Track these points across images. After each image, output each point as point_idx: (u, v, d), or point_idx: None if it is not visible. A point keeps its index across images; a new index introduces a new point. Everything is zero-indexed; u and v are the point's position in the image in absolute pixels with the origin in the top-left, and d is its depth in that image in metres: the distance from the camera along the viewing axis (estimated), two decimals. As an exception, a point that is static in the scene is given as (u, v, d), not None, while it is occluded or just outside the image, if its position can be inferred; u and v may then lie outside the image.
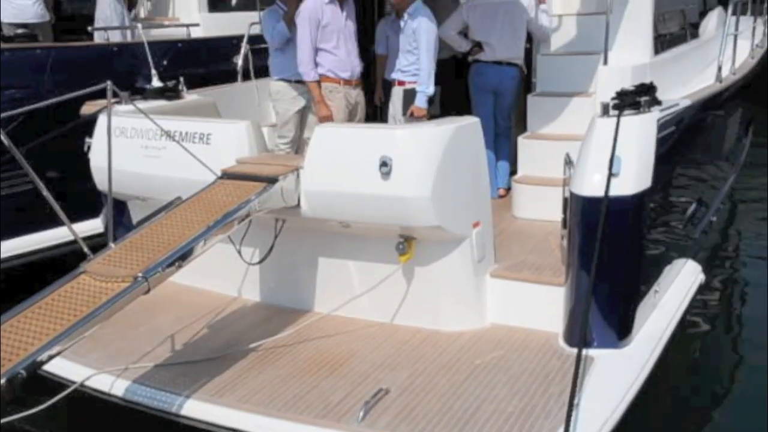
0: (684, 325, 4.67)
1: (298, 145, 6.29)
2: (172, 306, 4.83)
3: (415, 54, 5.57)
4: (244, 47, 7.21)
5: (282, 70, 6.21)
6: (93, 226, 6.77)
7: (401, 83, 5.72)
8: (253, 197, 4.01)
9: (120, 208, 5.42)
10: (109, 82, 4.00)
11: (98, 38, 7.73)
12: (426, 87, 5.49)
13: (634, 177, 3.91)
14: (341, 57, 5.47)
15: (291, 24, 6.02)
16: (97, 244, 3.87)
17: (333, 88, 5.51)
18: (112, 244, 3.71)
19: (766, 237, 8.14)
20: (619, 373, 3.79)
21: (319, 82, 5.51)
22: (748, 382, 5.17)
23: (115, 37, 7.88)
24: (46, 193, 3.75)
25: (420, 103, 5.52)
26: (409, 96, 5.62)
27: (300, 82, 6.10)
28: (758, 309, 6.27)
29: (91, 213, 6.81)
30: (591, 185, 3.91)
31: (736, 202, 9.03)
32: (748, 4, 7.90)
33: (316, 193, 4.24)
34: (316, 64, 5.47)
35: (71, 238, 3.81)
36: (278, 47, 6.17)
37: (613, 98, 4.12)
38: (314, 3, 5.34)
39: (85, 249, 3.68)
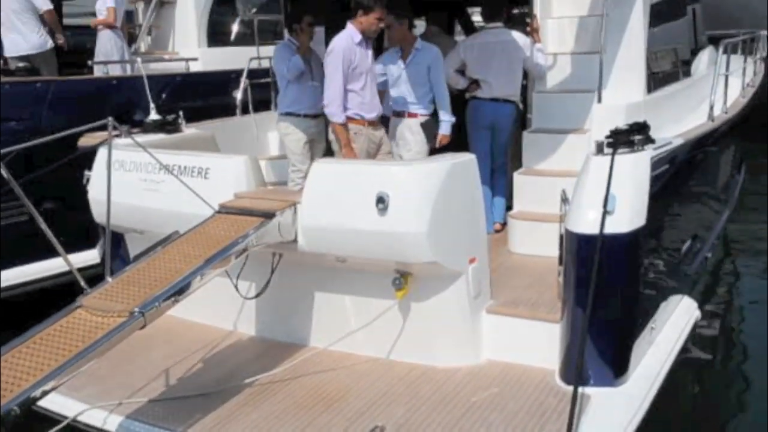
0: (681, 362, 4.67)
1: None
2: (167, 339, 4.81)
3: (427, 86, 5.65)
4: (244, 81, 7.29)
5: (292, 103, 6.26)
6: (90, 257, 6.81)
7: (413, 115, 5.74)
8: (250, 232, 4.03)
9: (117, 240, 5.44)
10: (110, 118, 4.03)
11: (98, 72, 7.81)
12: (450, 116, 5.67)
13: (629, 215, 3.95)
14: (366, 99, 5.45)
15: (305, 54, 6.14)
16: (94, 275, 3.88)
17: (357, 130, 5.47)
18: (108, 278, 3.72)
19: (761, 273, 8.19)
20: (616, 411, 3.78)
21: (345, 125, 5.42)
22: (747, 420, 5.15)
23: (116, 70, 7.96)
24: (43, 225, 3.76)
25: (447, 131, 5.67)
26: (429, 127, 5.69)
27: (309, 116, 6.22)
28: (755, 345, 6.28)
29: (88, 244, 6.84)
30: (586, 222, 3.94)
31: (731, 238, 9.07)
32: (738, 44, 8.02)
33: (313, 228, 4.26)
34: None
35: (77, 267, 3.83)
36: (292, 80, 6.22)
37: (607, 136, 4.17)
38: (347, 43, 5.32)
39: (82, 282, 3.68)
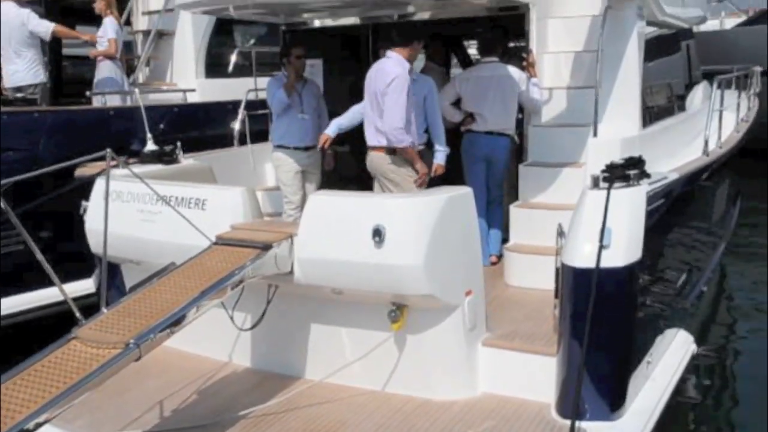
0: (677, 396, 4.66)
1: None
2: (161, 370, 4.78)
3: (422, 116, 5.63)
4: (242, 112, 7.34)
5: (282, 137, 6.37)
6: (86, 286, 6.79)
7: None
8: (246, 264, 4.03)
9: (113, 270, 5.43)
10: (108, 150, 4.05)
11: (96, 102, 7.85)
12: (445, 146, 5.70)
13: (625, 249, 3.96)
14: (414, 129, 5.46)
15: (290, 91, 6.18)
16: (90, 304, 3.87)
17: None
18: (104, 309, 3.71)
19: (757, 305, 8.19)
20: (613, 446, 3.76)
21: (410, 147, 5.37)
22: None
23: (114, 101, 8.00)
24: (39, 255, 3.76)
25: (442, 160, 5.69)
26: (423, 157, 5.67)
27: (299, 148, 6.31)
28: (751, 378, 6.25)
29: (84, 273, 6.81)
30: (582, 256, 3.96)
31: (727, 271, 9.09)
32: (732, 80, 8.12)
33: (309, 260, 4.26)
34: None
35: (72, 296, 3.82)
36: (278, 114, 6.32)
37: (603, 171, 4.20)
38: (406, 72, 5.33)
39: (77, 314, 3.67)
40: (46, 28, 7.57)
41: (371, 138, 5.46)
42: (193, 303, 3.71)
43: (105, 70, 8.16)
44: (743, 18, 20.86)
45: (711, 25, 15.75)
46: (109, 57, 8.16)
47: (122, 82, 8.23)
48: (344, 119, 5.99)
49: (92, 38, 8.27)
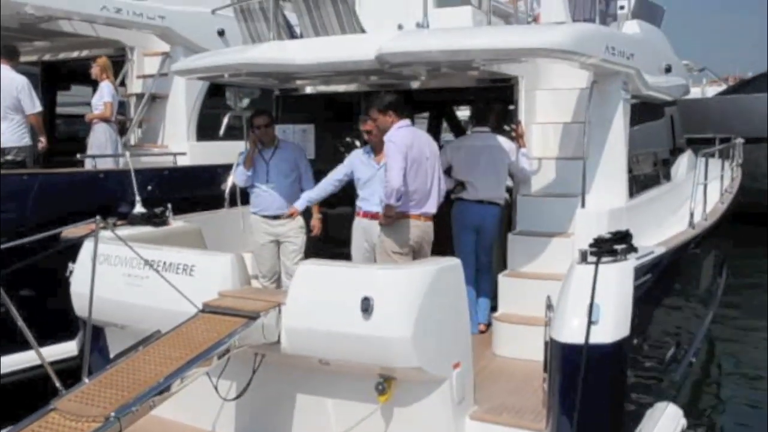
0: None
1: (278, 278, 6.33)
2: (142, 440, 4.66)
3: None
4: (233, 175, 7.36)
5: (253, 205, 6.40)
6: (68, 349, 6.69)
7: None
8: (233, 333, 3.98)
9: (97, 333, 5.35)
10: (98, 217, 4.05)
11: (88, 164, 7.88)
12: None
13: (613, 325, 3.96)
14: None
15: (248, 165, 6.26)
16: (72, 366, 3.80)
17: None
18: (86, 380, 3.64)
19: (746, 376, 8.16)
20: None
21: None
22: None
23: (107, 162, 8.03)
24: (20, 321, 3.70)
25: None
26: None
27: (268, 216, 6.27)
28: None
29: (69, 336, 6.73)
30: (571, 332, 3.94)
31: (715, 341, 9.07)
32: (716, 152, 8.27)
33: (297, 330, 4.22)
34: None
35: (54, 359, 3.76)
36: (241, 186, 6.40)
37: (591, 245, 4.22)
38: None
39: (57, 384, 3.60)
40: (30, 108, 7.59)
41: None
42: (178, 374, 3.64)
43: (100, 132, 8.21)
44: (723, 86, 21.41)
45: (693, 92, 16.14)
46: (105, 120, 8.23)
47: (116, 145, 8.28)
48: (314, 192, 6.12)
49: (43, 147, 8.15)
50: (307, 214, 6.37)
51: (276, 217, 6.27)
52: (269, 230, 6.29)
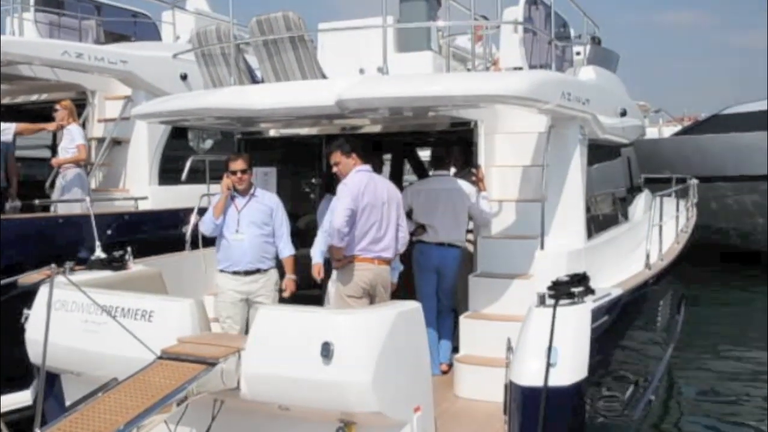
0: None
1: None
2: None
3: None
4: (194, 216, 7.32)
5: (221, 260, 5.91)
6: (23, 398, 6.51)
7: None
8: (191, 380, 3.94)
9: (51, 380, 5.24)
10: (53, 265, 4.01)
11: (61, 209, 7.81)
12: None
13: (571, 367, 4.02)
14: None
15: (218, 212, 5.82)
16: (26, 416, 3.72)
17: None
18: (38, 430, 3.57)
19: (706, 411, 8.25)
20: None
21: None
22: None
23: (72, 207, 7.91)
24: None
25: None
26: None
27: (238, 273, 5.77)
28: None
29: (22, 384, 6.55)
30: (530, 374, 3.99)
31: (674, 378, 9.18)
32: (671, 193, 8.48)
33: (256, 375, 4.19)
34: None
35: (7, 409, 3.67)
36: (208, 235, 6.02)
37: (548, 288, 4.29)
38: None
39: (7, 434, 3.53)
40: (9, 132, 7.54)
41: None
42: (135, 423, 3.60)
43: (73, 176, 8.07)
44: (679, 127, 21.96)
45: (650, 132, 16.55)
46: (76, 163, 8.11)
47: (87, 189, 8.18)
48: (322, 244, 5.85)
49: (57, 127, 8.26)
50: (279, 269, 6.02)
51: (248, 273, 5.77)
52: (239, 288, 5.78)
